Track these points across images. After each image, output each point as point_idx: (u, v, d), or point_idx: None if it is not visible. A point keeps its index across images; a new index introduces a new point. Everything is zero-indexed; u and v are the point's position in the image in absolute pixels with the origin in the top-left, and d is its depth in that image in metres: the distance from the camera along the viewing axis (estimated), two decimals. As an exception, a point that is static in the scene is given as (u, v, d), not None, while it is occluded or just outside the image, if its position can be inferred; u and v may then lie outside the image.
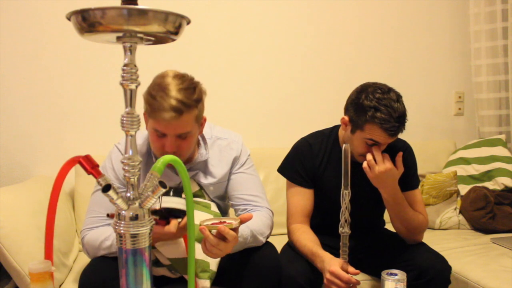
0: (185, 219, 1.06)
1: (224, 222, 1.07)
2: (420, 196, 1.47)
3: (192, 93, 1.16)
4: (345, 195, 1.17)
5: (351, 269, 1.21)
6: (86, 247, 1.22)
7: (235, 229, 1.07)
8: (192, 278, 0.77)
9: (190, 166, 1.33)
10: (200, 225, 1.04)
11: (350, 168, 1.18)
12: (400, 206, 1.36)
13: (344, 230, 1.19)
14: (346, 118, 1.37)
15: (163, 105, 1.12)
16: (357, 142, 1.34)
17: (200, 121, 1.26)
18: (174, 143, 1.18)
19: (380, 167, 1.30)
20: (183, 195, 1.05)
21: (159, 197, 0.94)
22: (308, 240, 1.34)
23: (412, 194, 1.44)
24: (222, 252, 1.08)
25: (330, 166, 1.46)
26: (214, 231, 1.05)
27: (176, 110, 1.12)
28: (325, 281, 1.22)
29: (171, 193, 1.06)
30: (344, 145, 1.17)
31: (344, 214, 1.18)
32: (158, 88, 1.14)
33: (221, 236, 1.05)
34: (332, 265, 1.21)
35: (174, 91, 1.13)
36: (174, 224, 1.06)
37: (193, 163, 1.32)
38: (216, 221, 1.08)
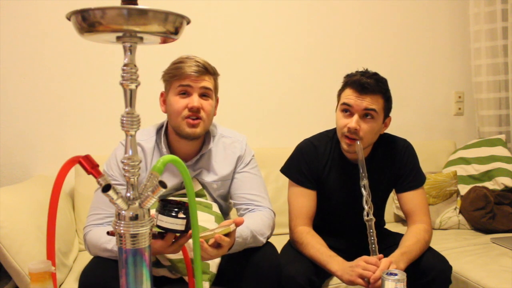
0: (183, 238, 1.03)
1: None
2: (421, 198, 1.43)
3: (212, 65, 1.33)
4: (366, 185, 1.31)
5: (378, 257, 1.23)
6: (87, 244, 1.23)
7: (232, 232, 1.08)
8: (199, 281, 0.77)
9: (196, 160, 1.35)
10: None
11: (364, 162, 1.32)
12: (415, 257, 1.30)
13: (370, 217, 1.27)
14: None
15: (190, 63, 1.27)
16: (337, 117, 1.39)
17: (216, 97, 1.37)
18: (199, 99, 1.27)
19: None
20: (180, 215, 1.00)
21: (157, 214, 0.92)
22: (321, 245, 1.34)
23: (413, 196, 1.43)
24: (219, 255, 1.10)
25: (334, 169, 1.46)
26: (211, 240, 1.06)
27: (201, 67, 1.28)
28: (359, 270, 1.18)
29: (174, 212, 0.97)
30: (356, 142, 1.32)
31: (368, 203, 1.29)
32: (181, 58, 1.30)
33: (217, 244, 1.07)
34: (363, 256, 1.22)
35: (198, 58, 1.30)
36: (169, 238, 1.02)
37: (198, 156, 1.35)
38: (210, 232, 1.09)
